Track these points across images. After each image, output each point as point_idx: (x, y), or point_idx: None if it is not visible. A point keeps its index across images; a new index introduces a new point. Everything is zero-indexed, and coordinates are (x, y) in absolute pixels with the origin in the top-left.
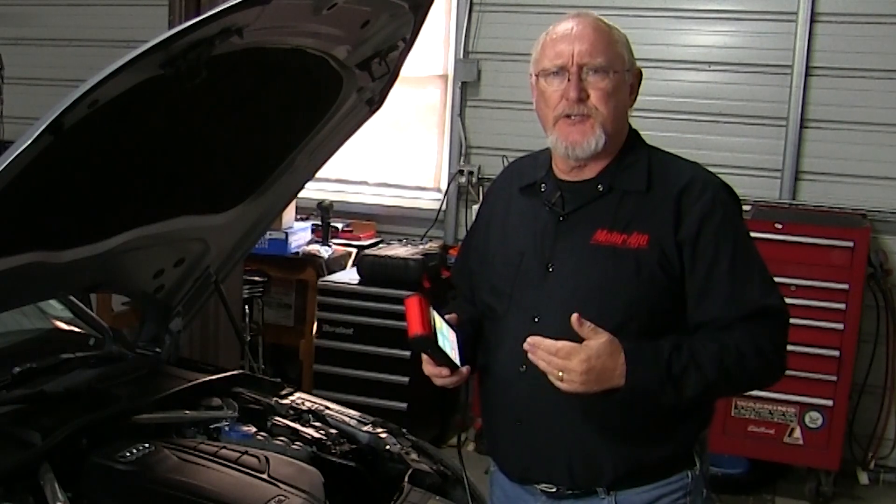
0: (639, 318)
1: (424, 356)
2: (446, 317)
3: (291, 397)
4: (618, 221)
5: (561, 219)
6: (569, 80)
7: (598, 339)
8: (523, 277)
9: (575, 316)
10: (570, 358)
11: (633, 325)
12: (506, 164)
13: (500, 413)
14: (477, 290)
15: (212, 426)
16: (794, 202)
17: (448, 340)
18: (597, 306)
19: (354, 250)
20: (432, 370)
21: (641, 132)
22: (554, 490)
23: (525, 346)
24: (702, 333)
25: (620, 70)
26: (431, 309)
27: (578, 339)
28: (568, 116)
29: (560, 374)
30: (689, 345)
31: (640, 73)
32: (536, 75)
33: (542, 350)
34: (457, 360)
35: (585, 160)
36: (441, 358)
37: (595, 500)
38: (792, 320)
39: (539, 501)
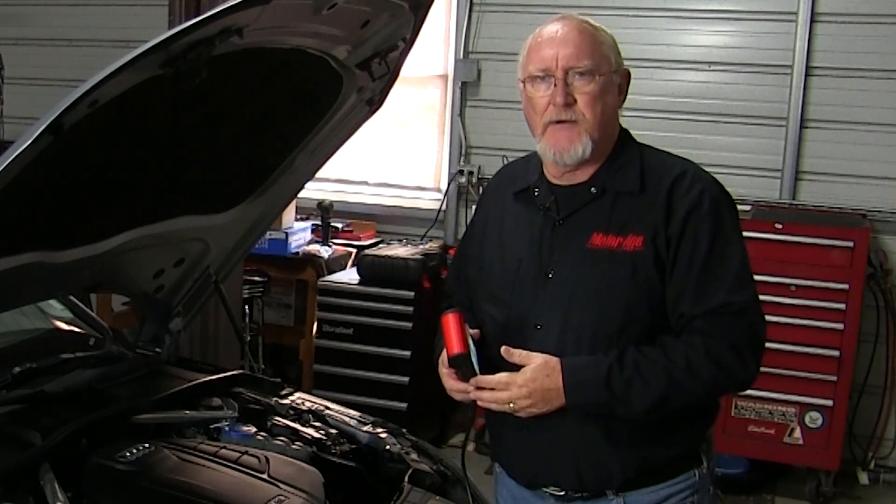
0: (638, 320)
1: (445, 371)
2: (471, 332)
3: (291, 397)
4: (612, 224)
5: (556, 224)
6: (555, 84)
7: (532, 364)
8: (522, 284)
9: (503, 349)
10: (509, 388)
11: (632, 327)
12: (505, 164)
13: (505, 420)
14: (475, 298)
15: (212, 426)
16: (794, 202)
17: (474, 356)
18: (596, 311)
19: (354, 250)
20: (457, 386)
21: (642, 132)
22: (563, 493)
23: (472, 395)
24: (660, 337)
25: (607, 72)
26: (466, 325)
27: (577, 345)
28: (556, 122)
29: (511, 405)
30: (635, 358)
31: (629, 74)
32: (523, 81)
33: (484, 387)
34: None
35: (574, 166)
36: (470, 374)
37: (604, 501)
38: (792, 320)
39: None
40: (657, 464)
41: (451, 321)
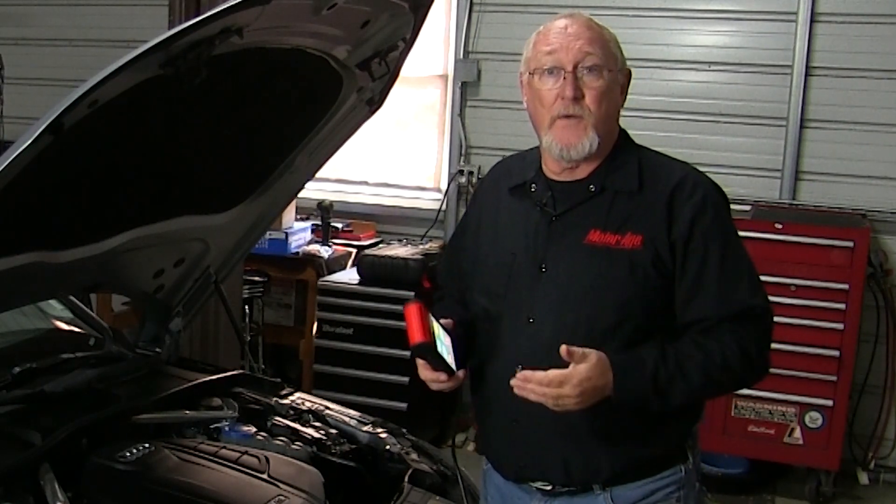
0: (633, 318)
1: (420, 361)
2: (442, 322)
3: (291, 397)
4: (611, 222)
5: (553, 219)
6: (564, 77)
7: (587, 363)
8: (516, 278)
9: (563, 348)
10: (562, 386)
11: (627, 325)
12: (502, 159)
13: (496, 413)
14: (469, 291)
15: (212, 426)
16: (794, 202)
17: (445, 346)
18: (591, 307)
19: (354, 250)
20: (429, 375)
21: (642, 132)
22: (549, 488)
23: (513, 382)
24: (688, 336)
25: (614, 69)
26: (430, 315)
27: (572, 341)
28: (564, 117)
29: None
30: (676, 355)
31: (630, 74)
32: (530, 73)
33: (534, 384)
34: (453, 365)
35: (578, 161)
36: (439, 363)
37: (590, 496)
38: (792, 320)
39: (534, 499)
40: (644, 459)
41: (412, 312)
